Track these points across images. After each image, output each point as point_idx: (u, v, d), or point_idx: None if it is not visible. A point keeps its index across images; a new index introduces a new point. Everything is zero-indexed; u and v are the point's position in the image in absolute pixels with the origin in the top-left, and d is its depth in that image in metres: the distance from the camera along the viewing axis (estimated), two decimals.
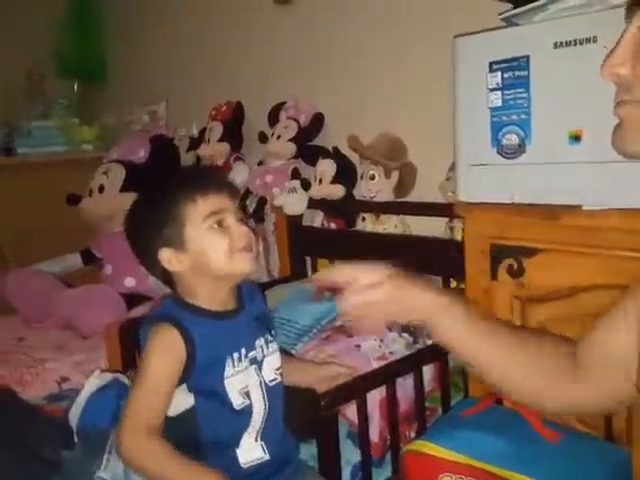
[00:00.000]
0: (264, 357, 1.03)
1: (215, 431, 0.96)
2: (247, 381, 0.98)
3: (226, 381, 0.96)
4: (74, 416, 1.09)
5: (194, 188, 0.97)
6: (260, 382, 1.00)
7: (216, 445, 0.97)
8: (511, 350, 0.83)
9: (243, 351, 0.98)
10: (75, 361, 1.75)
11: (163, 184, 1.04)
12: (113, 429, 1.03)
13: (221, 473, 0.92)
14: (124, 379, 1.15)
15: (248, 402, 0.98)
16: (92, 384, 1.11)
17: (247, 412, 0.98)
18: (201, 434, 0.96)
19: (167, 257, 0.96)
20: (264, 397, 1.00)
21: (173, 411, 0.96)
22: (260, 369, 1.01)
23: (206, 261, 0.96)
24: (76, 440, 1.08)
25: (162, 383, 0.93)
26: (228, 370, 0.96)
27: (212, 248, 0.96)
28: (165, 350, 0.93)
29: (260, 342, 1.03)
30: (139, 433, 0.91)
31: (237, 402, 0.97)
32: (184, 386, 0.95)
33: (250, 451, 0.98)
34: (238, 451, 0.98)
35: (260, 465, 0.99)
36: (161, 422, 0.94)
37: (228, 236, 0.96)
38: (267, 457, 0.99)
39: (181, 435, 0.96)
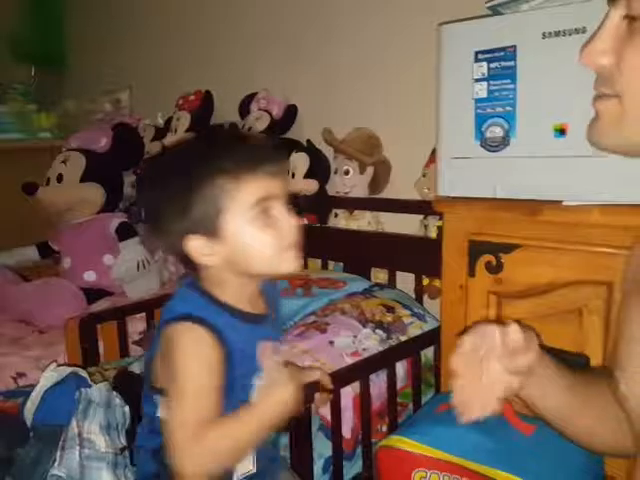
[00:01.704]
0: None
1: None
2: None
3: (253, 395, 0.86)
4: (29, 412, 1.05)
5: (241, 164, 0.77)
6: None
7: None
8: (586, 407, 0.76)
9: None
10: (32, 356, 1.68)
11: (194, 148, 0.84)
12: (68, 425, 0.99)
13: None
14: (82, 373, 1.11)
15: None
16: (48, 378, 1.08)
17: None
18: None
19: (195, 247, 0.79)
20: None
21: None
22: None
23: (246, 258, 0.80)
24: (32, 437, 1.04)
25: (206, 384, 0.78)
26: (257, 383, 0.85)
27: (256, 246, 0.79)
28: (202, 351, 0.78)
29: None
30: (192, 437, 0.76)
31: None
32: None
33: (243, 464, 0.90)
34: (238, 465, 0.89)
35: (246, 478, 0.92)
36: (213, 417, 0.78)
37: (276, 230, 0.79)
38: (254, 470, 0.92)
39: None
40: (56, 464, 0.99)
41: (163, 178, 0.81)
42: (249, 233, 0.79)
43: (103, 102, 2.50)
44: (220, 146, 0.81)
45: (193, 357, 0.78)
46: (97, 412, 1.05)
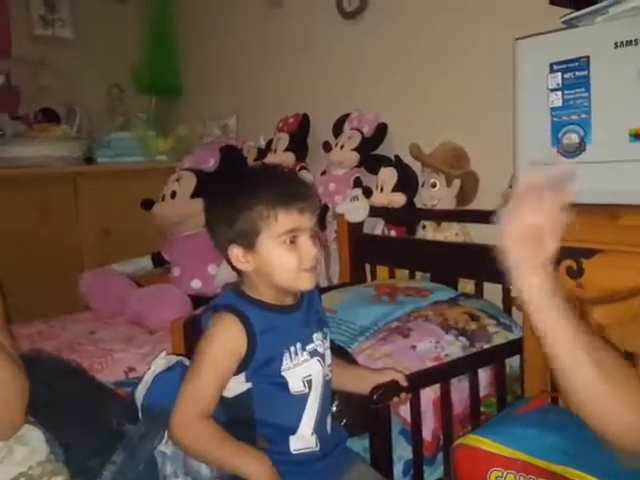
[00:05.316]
0: (325, 350, 1.05)
1: (270, 413, 0.99)
2: (310, 371, 1.01)
3: (284, 372, 0.99)
4: (140, 394, 1.16)
5: (279, 200, 0.96)
6: (323, 375, 1.03)
7: (269, 427, 1.00)
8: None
9: (299, 345, 1.01)
10: (142, 353, 1.84)
11: (249, 180, 1.02)
12: None
13: (267, 456, 0.95)
14: (187, 362, 1.20)
15: (307, 391, 1.01)
16: (158, 365, 1.18)
17: (303, 399, 1.01)
18: (255, 415, 0.99)
19: (235, 254, 1.00)
20: (322, 390, 1.03)
21: (229, 392, 1.00)
22: (324, 361, 1.04)
23: (270, 272, 0.99)
24: (140, 416, 1.14)
25: (218, 376, 0.97)
26: (286, 363, 0.99)
27: (279, 263, 0.98)
28: (226, 342, 0.96)
29: (318, 335, 1.05)
30: (189, 418, 0.95)
31: (297, 388, 1.00)
32: (242, 375, 0.98)
33: (304, 440, 1.01)
34: (291, 437, 1.00)
35: (308, 453, 1.02)
36: (213, 408, 0.97)
37: (297, 255, 0.98)
38: (317, 449, 1.02)
39: (235, 414, 1.00)
40: (163, 441, 1.08)
41: (222, 195, 1.01)
42: (276, 253, 0.98)
43: (213, 127, 2.71)
44: (266, 180, 1.01)
45: (218, 342, 0.97)
46: None
